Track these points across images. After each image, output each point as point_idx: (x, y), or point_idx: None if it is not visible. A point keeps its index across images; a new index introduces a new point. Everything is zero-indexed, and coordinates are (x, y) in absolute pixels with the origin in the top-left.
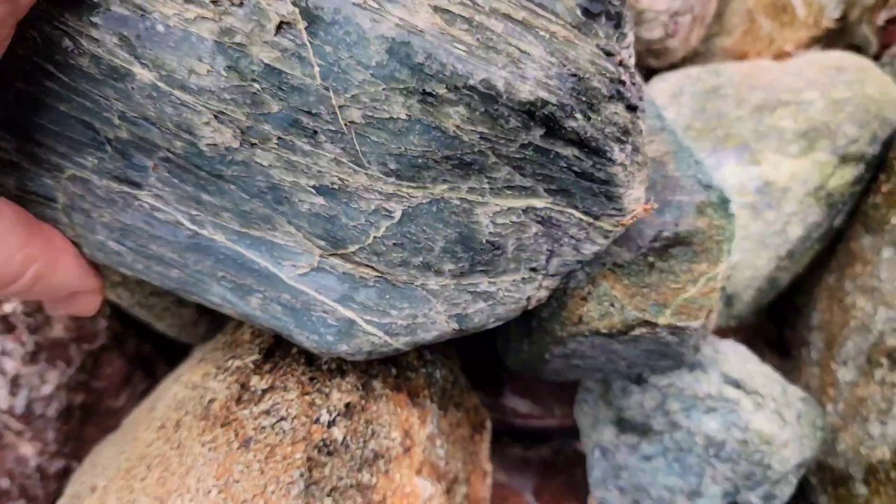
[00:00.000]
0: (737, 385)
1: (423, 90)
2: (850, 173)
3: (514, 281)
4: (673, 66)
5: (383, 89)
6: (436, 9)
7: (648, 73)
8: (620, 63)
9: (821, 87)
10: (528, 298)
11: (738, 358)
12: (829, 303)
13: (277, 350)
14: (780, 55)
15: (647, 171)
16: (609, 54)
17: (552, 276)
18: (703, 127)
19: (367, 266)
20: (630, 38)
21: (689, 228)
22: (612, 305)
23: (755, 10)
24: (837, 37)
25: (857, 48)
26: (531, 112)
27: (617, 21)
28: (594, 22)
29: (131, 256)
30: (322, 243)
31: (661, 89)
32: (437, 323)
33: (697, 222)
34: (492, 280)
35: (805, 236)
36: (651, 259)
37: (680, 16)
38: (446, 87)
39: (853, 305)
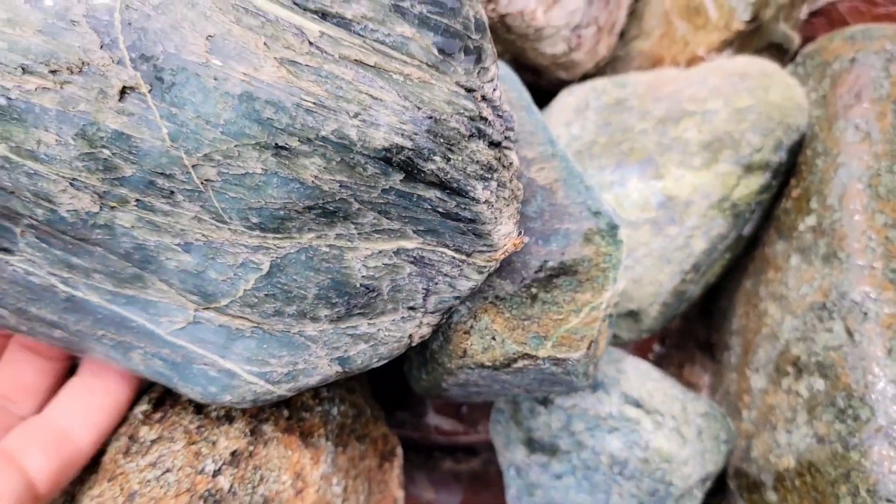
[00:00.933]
0: (637, 404)
1: (276, 144)
2: (755, 182)
3: (393, 321)
4: (586, 76)
5: (235, 146)
6: (281, 61)
7: (560, 85)
8: (483, 98)
9: (724, 95)
10: (410, 336)
11: (639, 377)
12: (746, 308)
13: (168, 399)
14: (693, 60)
15: (517, 204)
16: (469, 90)
17: (432, 313)
18: (607, 141)
19: (242, 318)
20: (493, 71)
21: (574, 257)
22: (493, 339)
23: (671, 11)
24: (751, 38)
25: (778, 46)
26: (388, 158)
27: (477, 56)
28: (451, 60)
29: (14, 319)
30: (195, 298)
31: (567, 104)
32: (319, 367)
33: (584, 250)
34: (371, 321)
35: (710, 249)
36: (534, 290)
37: (582, 28)
38: (298, 140)
39: (765, 312)
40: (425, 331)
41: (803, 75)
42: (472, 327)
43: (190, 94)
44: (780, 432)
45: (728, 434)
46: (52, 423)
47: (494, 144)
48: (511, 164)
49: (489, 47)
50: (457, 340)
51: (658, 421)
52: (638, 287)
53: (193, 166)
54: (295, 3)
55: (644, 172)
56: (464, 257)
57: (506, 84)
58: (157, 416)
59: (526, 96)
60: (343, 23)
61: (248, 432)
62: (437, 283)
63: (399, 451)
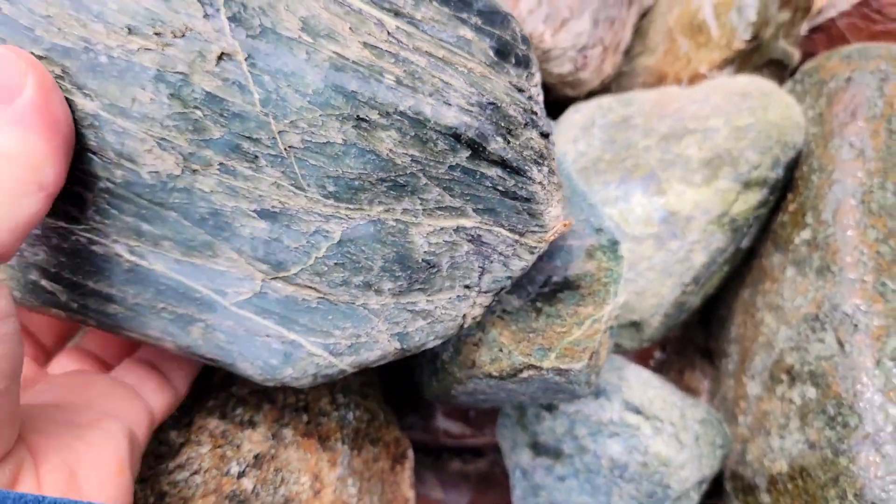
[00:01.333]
0: (637, 411)
1: (358, 116)
2: (753, 198)
3: (450, 299)
4: (592, 93)
5: (320, 115)
6: (365, 44)
7: (568, 101)
8: (530, 98)
9: (725, 114)
10: (464, 316)
11: (640, 384)
12: (744, 317)
13: (195, 405)
14: (695, 77)
15: (563, 191)
16: (520, 90)
17: (485, 293)
18: (612, 158)
19: (309, 287)
20: (537, 77)
21: (577, 272)
22: (501, 351)
23: (675, 29)
24: (752, 55)
25: (779, 62)
26: (457, 135)
27: (525, 63)
28: (505, 62)
29: (65, 296)
30: (264, 267)
31: (573, 121)
32: (380, 342)
33: (586, 266)
34: (429, 298)
35: (710, 262)
36: (539, 304)
37: (588, 49)
38: (378, 113)
39: (762, 322)
40: (478, 311)
41: (801, 93)
42: (480, 340)
43: (283, 64)
44: (774, 437)
45: (724, 439)
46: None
47: (545, 135)
48: (555, 157)
49: (533, 57)
50: (466, 352)
51: (657, 427)
52: (640, 299)
53: (280, 132)
54: (372, 1)
55: (647, 188)
56: (517, 237)
57: None
58: (185, 420)
59: None
60: (413, 21)
61: (271, 436)
62: (491, 262)
63: (410, 453)
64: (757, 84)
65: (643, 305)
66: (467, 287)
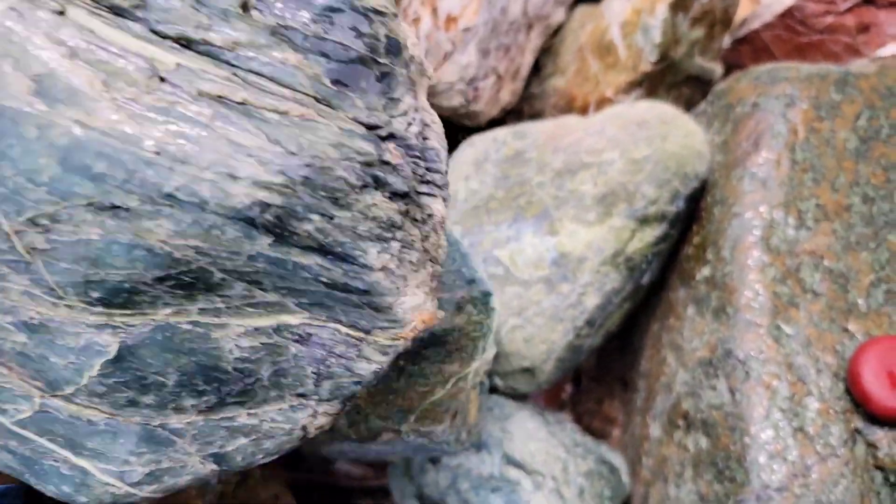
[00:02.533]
0: (518, 465)
1: (112, 204)
2: (651, 234)
3: (280, 410)
4: (494, 121)
5: (65, 207)
6: (121, 103)
7: (466, 130)
8: (391, 136)
9: (621, 146)
10: (304, 427)
11: (523, 436)
12: (652, 352)
13: None
14: (602, 101)
15: (432, 268)
16: (372, 128)
17: (328, 400)
18: (504, 196)
19: (92, 408)
20: (408, 101)
21: (445, 327)
22: (358, 413)
23: (585, 48)
24: (664, 75)
25: (697, 78)
26: (250, 219)
27: (386, 85)
28: (349, 91)
29: None
30: (38, 384)
31: (466, 156)
32: (189, 466)
33: (455, 320)
34: (252, 411)
35: (605, 303)
36: (402, 362)
37: (479, 81)
38: (139, 199)
39: (664, 360)
40: (322, 421)
41: (711, 115)
42: None
43: (7, 146)
44: (671, 485)
45: (615, 490)
46: None
47: (399, 195)
48: (430, 216)
49: (403, 73)
50: None
51: (538, 482)
52: (530, 346)
53: (16, 232)
54: (151, 31)
55: (539, 228)
56: (362, 335)
57: None
58: None
59: None
60: (210, 51)
61: None
62: (330, 367)
63: None
64: (657, 111)
65: (533, 352)
66: (302, 396)
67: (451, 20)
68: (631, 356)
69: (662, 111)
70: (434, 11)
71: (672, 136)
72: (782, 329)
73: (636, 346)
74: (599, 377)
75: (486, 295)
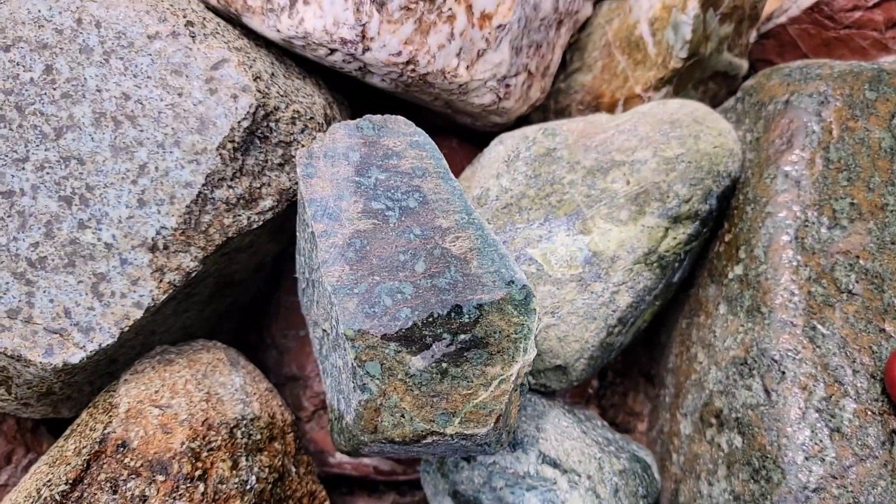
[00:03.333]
0: (554, 464)
1: None
2: (683, 233)
3: None
4: (522, 117)
5: None
6: None
7: (494, 127)
8: None
9: (654, 144)
10: None
11: (557, 435)
12: (680, 348)
13: (86, 476)
14: (631, 98)
15: None
16: None
17: None
18: (536, 195)
19: None
20: None
21: (486, 329)
22: (403, 417)
23: (613, 43)
24: (692, 71)
25: (724, 74)
26: None
27: None
28: None
29: None
30: None
31: (497, 154)
32: None
33: (496, 321)
34: None
35: (637, 302)
36: (445, 365)
37: (510, 78)
38: None
39: (695, 357)
40: None
41: (741, 113)
42: (381, 405)
43: None
44: (703, 483)
45: (648, 488)
46: None
47: None
48: None
49: None
50: (368, 416)
51: (574, 481)
52: (563, 345)
53: None
54: None
55: (571, 226)
56: None
57: (423, 151)
58: (75, 494)
59: (443, 164)
60: None
61: None
62: None
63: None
64: (688, 109)
65: (566, 351)
66: None
67: (485, 17)
68: (657, 351)
69: (694, 109)
70: (469, 8)
71: (704, 134)
72: (818, 329)
73: (663, 342)
74: (624, 371)
75: (527, 296)
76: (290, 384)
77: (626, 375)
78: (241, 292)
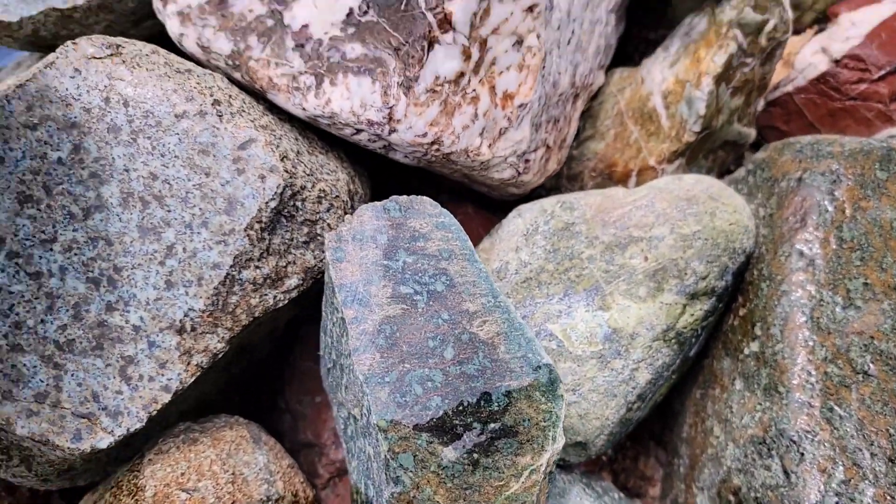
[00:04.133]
0: None
1: None
2: (700, 309)
3: None
4: (537, 188)
5: None
6: None
7: (511, 198)
8: None
9: (671, 221)
10: None
11: None
12: (695, 419)
13: None
14: (645, 169)
15: None
16: None
17: None
18: (555, 269)
19: None
20: None
21: (516, 416)
22: None
23: (625, 113)
24: (704, 142)
25: (733, 143)
26: None
27: None
28: None
29: None
30: None
31: (516, 227)
32: None
33: (525, 408)
34: None
35: (655, 378)
36: (476, 455)
37: (530, 153)
38: None
39: (710, 431)
40: None
41: (753, 186)
42: (414, 498)
43: None
44: None
45: None
46: None
47: None
48: None
49: None
50: None
51: None
52: (584, 422)
53: None
54: None
55: (591, 302)
56: None
57: (449, 233)
58: None
59: (468, 245)
60: None
61: None
62: None
63: None
64: (704, 186)
65: (587, 428)
66: None
67: (507, 97)
68: (670, 418)
69: (710, 185)
70: (492, 89)
71: (720, 211)
72: (835, 410)
73: (676, 410)
74: (635, 435)
75: (554, 382)
76: (305, 450)
77: (637, 440)
78: (255, 356)
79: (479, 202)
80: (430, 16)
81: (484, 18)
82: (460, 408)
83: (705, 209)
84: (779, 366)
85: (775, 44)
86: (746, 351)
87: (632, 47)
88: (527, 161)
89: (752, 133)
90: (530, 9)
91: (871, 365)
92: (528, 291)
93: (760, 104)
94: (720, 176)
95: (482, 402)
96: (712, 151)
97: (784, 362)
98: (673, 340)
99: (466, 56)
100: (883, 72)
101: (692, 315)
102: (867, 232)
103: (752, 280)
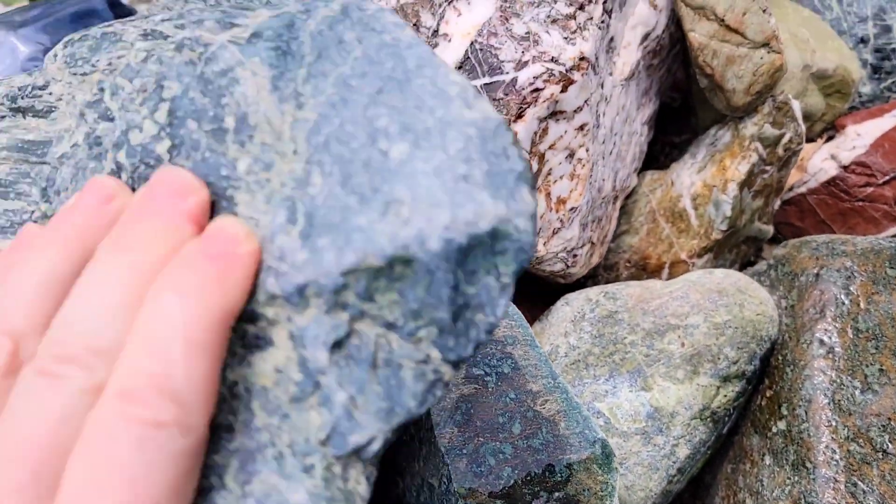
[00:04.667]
0: None
1: None
2: (732, 391)
3: None
4: (579, 280)
5: None
6: None
7: (557, 285)
8: None
9: (704, 311)
10: None
11: None
12: (727, 492)
13: None
14: (678, 263)
15: None
16: None
17: None
18: (601, 353)
19: None
20: None
21: (577, 487)
22: None
23: (657, 211)
24: (729, 239)
25: (754, 238)
26: None
27: None
28: None
29: None
30: None
31: (564, 314)
32: None
33: (584, 479)
34: None
35: (693, 453)
36: None
37: (577, 249)
38: None
39: (743, 503)
40: None
41: (775, 279)
42: None
43: None
44: None
45: None
46: None
47: None
48: None
49: None
50: None
51: None
52: (630, 493)
53: None
54: None
55: (634, 383)
56: None
57: (513, 321)
58: None
59: (529, 332)
60: None
61: None
62: None
63: None
64: (733, 280)
65: (633, 499)
66: None
67: (560, 202)
68: (701, 490)
69: (738, 279)
70: (548, 195)
71: (748, 303)
72: (858, 486)
73: (707, 483)
74: None
75: (609, 456)
76: None
77: None
78: None
79: (521, 293)
80: None
81: (542, 137)
82: (528, 477)
83: (734, 301)
84: (805, 443)
85: (791, 153)
86: (774, 429)
87: (658, 150)
88: (575, 256)
89: (770, 229)
90: (581, 127)
91: (889, 444)
92: (576, 372)
93: (777, 204)
94: (742, 267)
95: (547, 473)
96: (735, 246)
97: (810, 440)
98: (708, 419)
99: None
100: (887, 177)
101: (725, 396)
102: (880, 323)
103: (777, 365)
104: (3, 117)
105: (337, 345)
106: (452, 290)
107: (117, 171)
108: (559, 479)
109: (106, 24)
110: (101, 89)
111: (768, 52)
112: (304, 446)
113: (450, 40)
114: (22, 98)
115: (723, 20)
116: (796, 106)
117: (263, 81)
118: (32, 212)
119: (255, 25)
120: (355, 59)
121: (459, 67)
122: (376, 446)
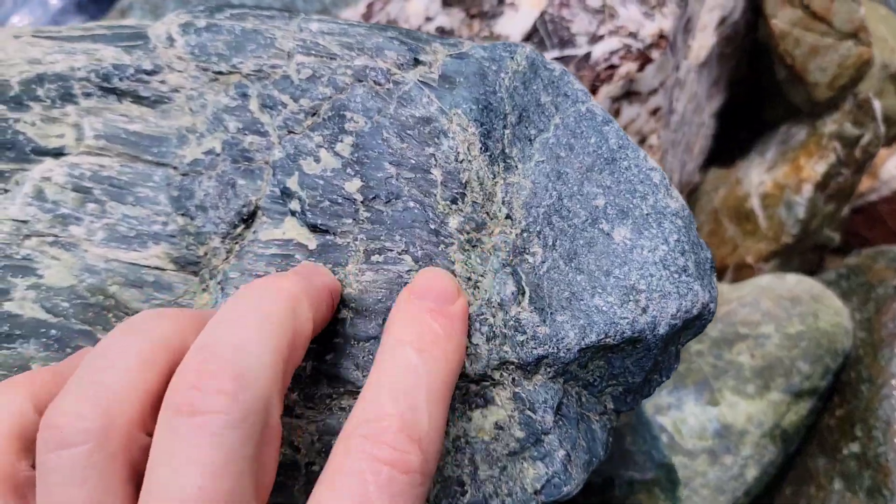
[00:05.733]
0: None
1: None
2: (804, 408)
3: None
4: None
5: None
6: None
7: None
8: None
9: (776, 320)
10: None
11: None
12: None
13: None
14: (742, 267)
15: None
16: None
17: None
18: None
19: None
20: None
21: None
22: None
23: (721, 210)
24: (799, 244)
25: (822, 246)
26: None
27: None
28: None
29: None
30: None
31: None
32: None
33: (644, 500)
34: None
35: (761, 475)
36: None
37: None
38: None
39: None
40: None
41: (847, 290)
42: None
43: None
44: None
45: None
46: None
47: None
48: None
49: None
50: None
51: None
52: None
53: None
54: None
55: (700, 396)
56: None
57: None
58: None
59: None
60: None
61: None
62: None
63: None
64: (806, 286)
65: None
66: None
67: None
68: None
69: (811, 286)
70: None
71: (822, 313)
72: None
73: None
74: None
75: (675, 483)
76: None
77: None
78: None
79: None
80: None
81: (615, 119)
82: (585, 487)
83: (809, 310)
84: (882, 468)
85: (867, 156)
86: (846, 451)
87: (721, 146)
88: None
89: (836, 237)
90: (654, 112)
91: None
92: None
93: (846, 211)
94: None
95: (605, 486)
96: (801, 253)
97: (888, 465)
98: (779, 438)
99: None
100: None
101: (796, 414)
102: None
103: (850, 381)
104: (90, 95)
105: (558, 407)
106: (655, 360)
107: (284, 198)
108: (617, 493)
109: (238, 12)
110: (245, 95)
111: (856, 44)
112: (521, 495)
113: (517, 9)
114: (120, 79)
115: (808, 7)
116: (877, 106)
117: (473, 139)
118: (164, 223)
119: (440, 66)
120: (556, 127)
121: (527, 39)
122: (575, 493)
